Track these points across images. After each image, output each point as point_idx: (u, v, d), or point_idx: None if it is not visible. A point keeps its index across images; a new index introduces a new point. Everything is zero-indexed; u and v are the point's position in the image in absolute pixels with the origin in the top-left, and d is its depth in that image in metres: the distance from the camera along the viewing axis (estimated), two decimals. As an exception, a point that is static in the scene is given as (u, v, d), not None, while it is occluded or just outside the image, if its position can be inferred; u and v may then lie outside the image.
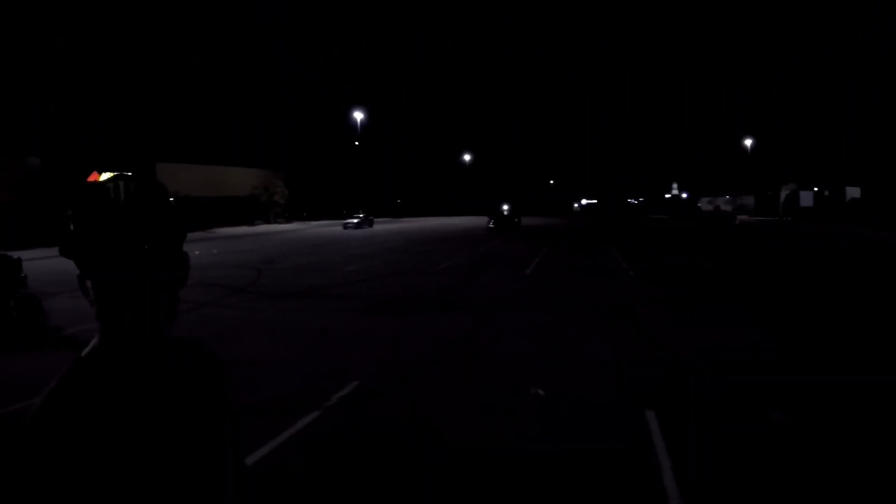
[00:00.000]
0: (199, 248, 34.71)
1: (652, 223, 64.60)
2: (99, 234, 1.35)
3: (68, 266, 1.42)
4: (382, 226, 65.68)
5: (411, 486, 5.53)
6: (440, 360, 9.60)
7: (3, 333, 10.93)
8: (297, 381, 8.67)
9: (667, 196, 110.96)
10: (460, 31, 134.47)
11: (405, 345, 10.71)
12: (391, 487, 5.51)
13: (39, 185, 44.44)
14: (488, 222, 52.45)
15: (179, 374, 1.50)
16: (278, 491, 5.46)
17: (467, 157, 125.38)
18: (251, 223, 72.95)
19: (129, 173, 1.43)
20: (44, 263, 24.11)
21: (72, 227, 1.37)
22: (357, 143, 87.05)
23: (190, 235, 1.53)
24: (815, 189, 73.45)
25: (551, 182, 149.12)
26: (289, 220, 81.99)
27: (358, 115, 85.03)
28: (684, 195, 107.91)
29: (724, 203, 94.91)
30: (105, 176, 1.40)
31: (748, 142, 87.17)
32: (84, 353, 1.43)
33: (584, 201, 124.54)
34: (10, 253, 12.06)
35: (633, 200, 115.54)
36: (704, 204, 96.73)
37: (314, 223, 78.02)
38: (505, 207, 53.36)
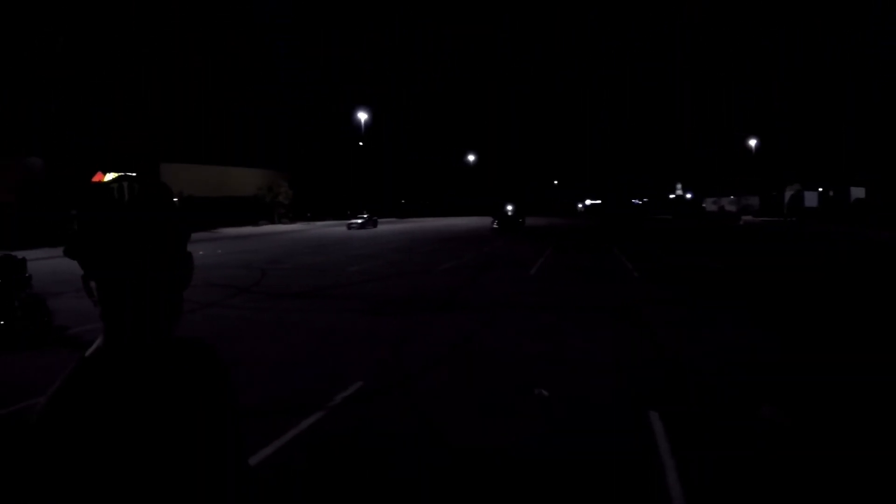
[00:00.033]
0: (204, 248, 34.75)
1: (656, 223, 64.54)
2: (103, 235, 1.35)
3: (72, 266, 1.43)
4: (386, 226, 65.70)
5: (415, 486, 5.53)
6: (444, 361, 9.60)
7: (8, 333, 10.96)
8: (301, 382, 8.68)
9: (671, 196, 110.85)
10: (460, 31, 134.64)
11: (409, 345, 10.72)
12: (395, 488, 5.51)
13: (41, 186, 44.56)
14: (492, 222, 52.40)
15: (183, 375, 1.50)
16: (282, 491, 5.47)
17: (471, 158, 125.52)
18: (255, 223, 73.03)
19: (133, 174, 1.43)
20: (48, 263, 24.15)
21: (76, 228, 1.37)
22: (361, 143, 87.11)
23: (194, 235, 1.53)
24: (820, 189, 73.30)
25: (555, 182, 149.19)
26: (293, 220, 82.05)
27: (362, 116, 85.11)
28: (688, 195, 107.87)
29: (729, 203, 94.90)
30: (109, 176, 1.40)
31: (752, 142, 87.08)
32: (88, 352, 1.43)
33: (587, 201, 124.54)
34: (14, 253, 12.08)
35: (636, 201, 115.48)
36: (709, 204, 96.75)
37: (318, 223, 78.09)
38: (509, 208, 53.30)
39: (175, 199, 1.47)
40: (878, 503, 5.16)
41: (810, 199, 72.55)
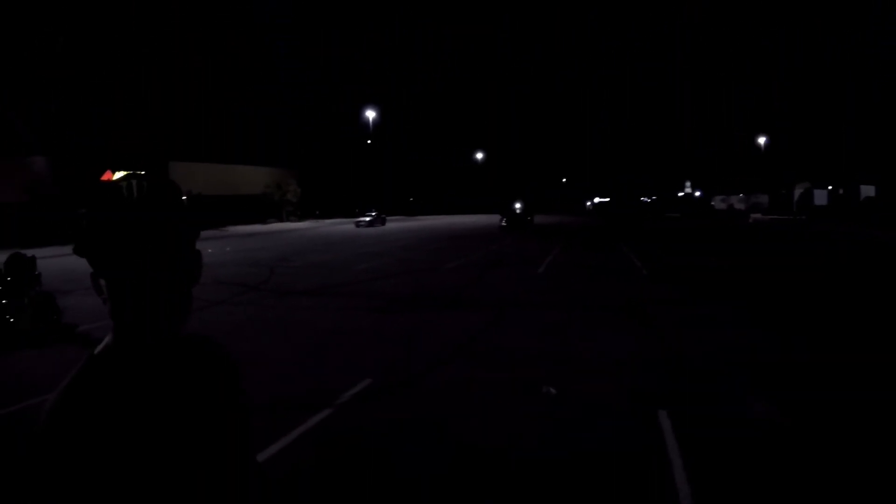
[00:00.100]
0: (213, 246, 34.82)
1: (665, 222, 64.38)
2: (112, 233, 1.35)
3: (81, 264, 1.43)
4: (394, 224, 65.69)
5: (422, 484, 5.54)
6: (453, 359, 9.61)
7: (19, 330, 11.02)
8: (310, 379, 8.70)
9: (680, 194, 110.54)
10: (460, 31, 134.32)
11: (418, 343, 10.72)
12: (402, 486, 5.52)
13: (48, 185, 44.73)
14: (500, 220, 52.24)
15: (193, 372, 1.51)
16: (290, 488, 5.48)
17: (479, 156, 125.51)
18: (264, 222, 73.11)
19: (143, 172, 1.43)
20: (57, 262, 24.23)
21: (85, 226, 1.38)
22: (369, 141, 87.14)
23: (203, 233, 1.53)
24: (830, 188, 73.04)
25: (563, 180, 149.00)
26: (301, 218, 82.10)
27: (370, 114, 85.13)
28: (697, 194, 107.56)
29: (738, 202, 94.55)
30: (118, 175, 1.40)
31: (761, 140, 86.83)
32: (97, 350, 1.44)
33: (596, 199, 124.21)
34: (23, 251, 12.14)
35: (646, 199, 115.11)
36: (718, 202, 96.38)
37: (327, 221, 78.14)
38: (517, 206, 53.10)
39: (184, 198, 1.47)
40: (878, 502, 5.15)
41: (820, 197, 72.30)
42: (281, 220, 77.44)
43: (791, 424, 6.62)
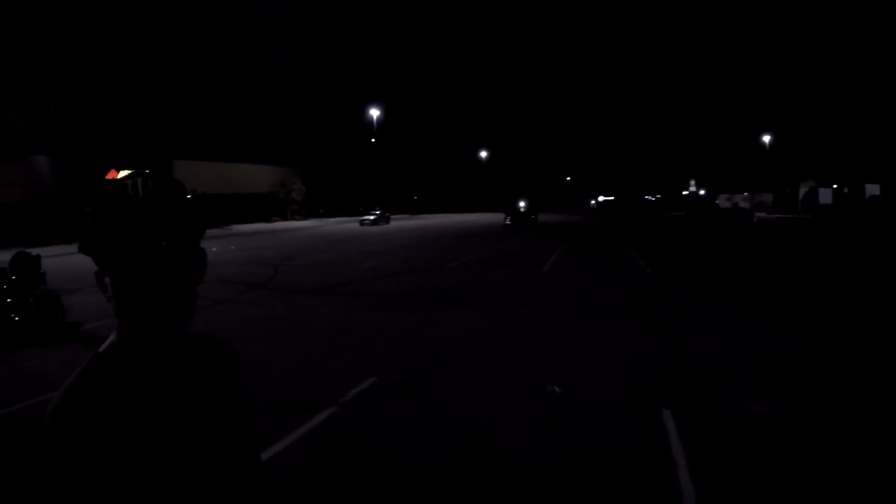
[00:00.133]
0: (217, 244, 34.86)
1: (669, 221, 64.28)
2: (117, 232, 1.36)
3: (86, 263, 1.44)
4: (398, 222, 65.68)
5: (426, 483, 5.54)
6: (457, 358, 9.61)
7: (24, 329, 11.05)
8: (314, 377, 8.71)
9: (684, 193, 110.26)
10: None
11: (422, 341, 10.73)
12: (406, 485, 5.52)
13: (48, 185, 44.84)
14: (505, 219, 52.15)
15: (196, 370, 1.51)
16: (294, 487, 5.49)
17: (483, 154, 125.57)
18: (268, 220, 73.18)
19: (147, 170, 1.44)
20: (61, 260, 24.27)
21: (90, 224, 1.38)
22: (373, 140, 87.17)
23: (207, 232, 1.54)
24: (835, 186, 72.82)
25: (567, 179, 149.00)
26: (306, 216, 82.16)
27: (374, 113, 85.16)
28: (702, 192, 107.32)
29: (742, 200, 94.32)
30: (123, 174, 1.41)
31: (766, 138, 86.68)
32: (102, 348, 1.45)
33: (600, 198, 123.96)
34: (28, 250, 12.16)
35: (650, 197, 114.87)
36: (722, 201, 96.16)
37: (331, 220, 78.17)
38: (521, 204, 52.89)
39: (188, 196, 1.47)
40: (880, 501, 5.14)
41: (824, 195, 72.03)
42: (285, 219, 77.51)
43: (795, 425, 6.61)
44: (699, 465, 5.60)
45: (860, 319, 12.21)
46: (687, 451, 5.89)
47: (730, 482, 5.40)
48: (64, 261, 23.88)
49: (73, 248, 1.59)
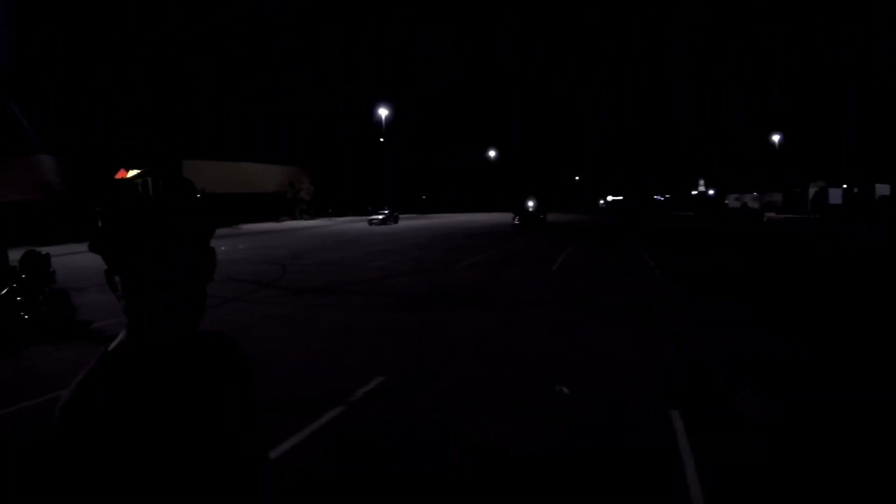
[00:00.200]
0: (226, 243, 34.95)
1: (678, 221, 64.13)
2: (127, 230, 1.36)
3: (95, 262, 1.44)
4: (407, 222, 65.75)
5: (434, 483, 5.54)
6: (464, 357, 9.60)
7: (33, 327, 11.09)
8: (322, 376, 8.72)
9: (693, 193, 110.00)
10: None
11: (430, 341, 10.73)
12: (414, 485, 5.52)
13: (54, 185, 45.04)
14: (513, 219, 52.08)
15: (205, 369, 1.51)
16: (302, 486, 5.49)
17: (491, 154, 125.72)
18: (277, 219, 73.35)
19: (157, 170, 1.44)
20: (70, 259, 24.37)
21: (100, 223, 1.38)
22: (382, 140, 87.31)
23: (216, 231, 1.53)
24: (844, 186, 72.50)
25: (577, 178, 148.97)
26: (314, 216, 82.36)
27: (383, 113, 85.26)
28: (711, 192, 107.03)
29: (752, 200, 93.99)
30: (133, 173, 1.41)
31: (776, 137, 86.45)
32: (111, 346, 1.45)
33: (609, 198, 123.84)
34: (38, 249, 12.22)
35: (659, 197, 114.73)
36: (731, 201, 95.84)
37: (339, 219, 78.34)
38: (530, 204, 52.74)
39: (198, 195, 1.47)
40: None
41: (834, 196, 71.72)
42: (294, 218, 77.74)
43: (801, 426, 6.58)
44: (708, 468, 5.58)
45: (873, 319, 12.15)
46: (695, 452, 5.86)
47: (738, 483, 5.38)
48: (73, 260, 23.98)
49: (82, 247, 1.59)
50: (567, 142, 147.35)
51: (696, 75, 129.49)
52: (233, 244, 34.79)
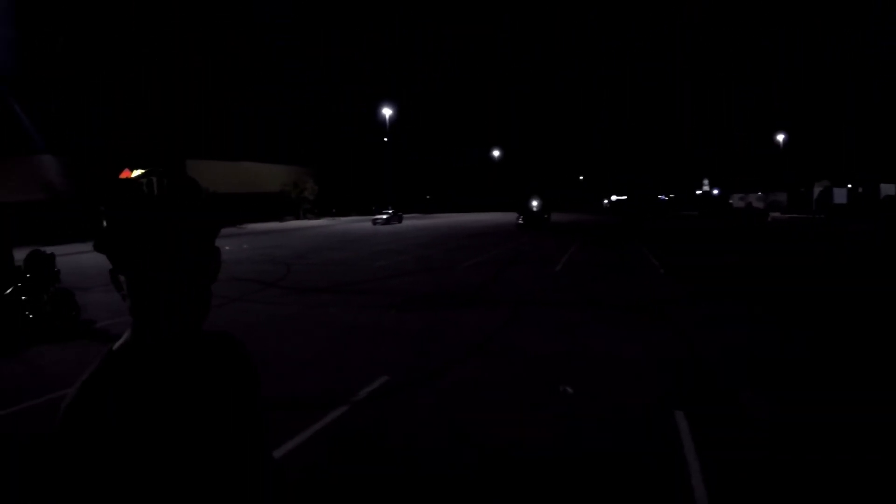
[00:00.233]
0: (230, 243, 34.99)
1: (683, 221, 64.07)
2: (132, 230, 1.36)
3: (99, 261, 1.44)
4: (411, 221, 65.77)
5: (438, 483, 5.53)
6: (469, 357, 9.60)
7: (38, 326, 11.12)
8: (326, 376, 8.72)
9: (697, 192, 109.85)
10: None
11: (434, 341, 10.72)
12: (417, 484, 5.52)
13: (56, 185, 45.13)
14: (517, 218, 52.05)
15: (210, 368, 1.51)
16: (306, 485, 5.49)
17: (495, 154, 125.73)
18: (281, 219, 73.41)
19: (162, 168, 1.44)
20: (74, 259, 24.41)
21: (105, 223, 1.38)
22: (386, 139, 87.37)
23: (220, 231, 1.53)
24: (849, 186, 72.37)
25: (580, 178, 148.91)
26: (318, 215, 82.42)
27: (387, 113, 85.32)
28: (715, 192, 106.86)
29: (757, 200, 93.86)
30: (136, 172, 1.41)
31: (780, 137, 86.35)
32: (116, 346, 1.45)
33: (613, 197, 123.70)
34: (42, 248, 12.24)
35: (663, 197, 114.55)
36: (736, 201, 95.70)
37: (343, 219, 78.42)
38: (534, 203, 52.67)
39: (203, 195, 1.47)
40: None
41: (839, 195, 71.61)
42: (298, 218, 77.78)
43: (807, 427, 6.57)
44: (712, 468, 5.57)
45: (879, 319, 12.13)
46: (700, 453, 5.85)
47: (742, 485, 5.37)
48: (77, 259, 24.02)
49: (86, 246, 1.59)
50: (567, 142, 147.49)
51: (696, 75, 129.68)
52: (237, 244, 34.83)
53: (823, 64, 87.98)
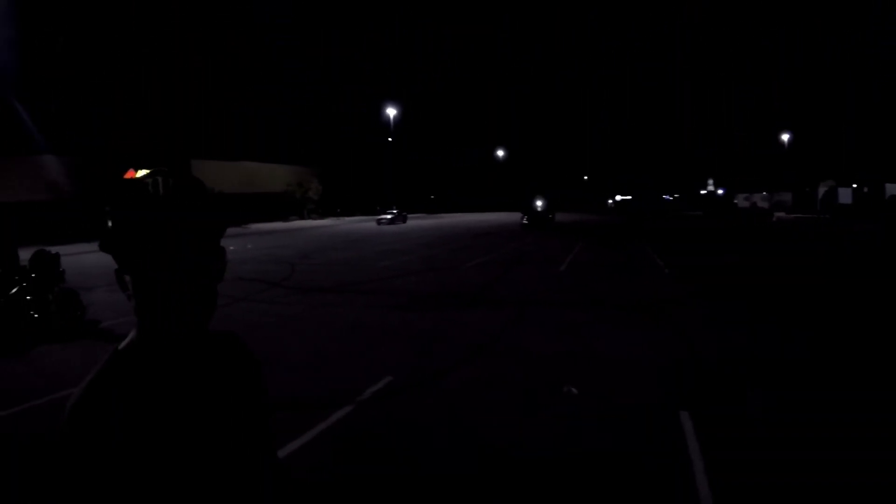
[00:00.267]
0: (234, 243, 35.03)
1: (687, 221, 64.00)
2: (138, 230, 1.36)
3: (103, 261, 1.44)
4: (415, 222, 65.80)
5: (443, 483, 5.53)
6: (473, 357, 9.59)
7: (43, 326, 11.15)
8: (330, 376, 8.72)
9: (702, 192, 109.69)
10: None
11: (439, 341, 10.72)
12: (421, 485, 5.51)
13: (58, 185, 45.21)
14: (522, 218, 52.01)
15: (215, 368, 1.51)
16: (310, 485, 5.49)
17: (499, 154, 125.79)
18: (285, 219, 73.48)
19: (167, 168, 1.44)
20: (78, 259, 24.45)
21: (111, 223, 1.38)
22: (390, 139, 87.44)
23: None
24: (854, 186, 72.23)
25: (585, 178, 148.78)
26: (322, 215, 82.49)
27: (391, 113, 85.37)
28: (720, 192, 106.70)
29: (761, 200, 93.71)
30: (141, 172, 1.41)
31: (785, 137, 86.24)
32: (122, 346, 1.45)
33: (618, 197, 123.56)
34: (48, 248, 12.27)
35: (667, 197, 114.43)
36: (741, 201, 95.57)
37: (347, 219, 78.46)
38: (538, 203, 52.59)
39: (209, 195, 1.47)
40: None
41: (844, 195, 71.47)
42: (302, 218, 77.86)
43: (813, 428, 6.55)
44: (716, 469, 5.56)
45: (886, 320, 12.10)
46: (704, 455, 5.84)
47: (747, 486, 5.36)
48: (80, 260, 24.06)
49: (90, 246, 1.58)
50: (568, 142, 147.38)
51: (696, 75, 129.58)
52: (241, 244, 34.87)
53: (824, 64, 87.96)
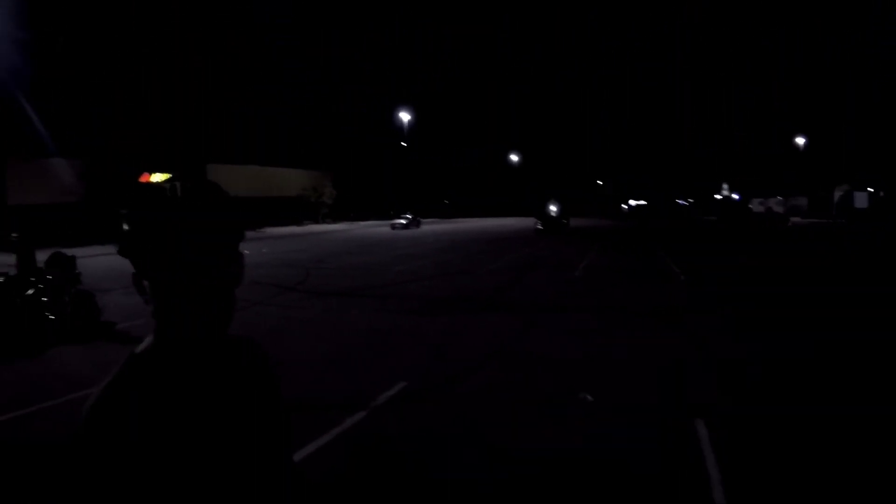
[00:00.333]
0: (249, 247, 35.11)
1: (702, 226, 63.75)
2: (157, 235, 1.36)
3: (120, 264, 1.43)
4: (429, 226, 65.81)
5: (456, 487, 5.52)
6: (487, 362, 9.57)
7: (59, 327, 11.20)
8: (345, 380, 8.73)
9: (717, 197, 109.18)
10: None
11: (453, 346, 10.71)
12: (435, 489, 5.50)
13: (72, 187, 45.48)
14: (536, 223, 51.90)
15: (232, 373, 1.50)
16: (325, 489, 5.49)
17: (514, 158, 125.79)
18: (299, 223, 73.63)
19: (184, 173, 1.44)
20: (94, 261, 24.59)
21: (126, 228, 1.38)
22: (404, 144, 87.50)
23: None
24: (870, 190, 71.75)
25: (599, 182, 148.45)
26: (336, 220, 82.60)
27: (405, 117, 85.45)
28: (735, 196, 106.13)
29: (776, 205, 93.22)
30: (156, 177, 1.40)
31: (800, 140, 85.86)
32: (139, 349, 1.44)
33: (632, 202, 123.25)
34: (64, 250, 12.34)
35: (682, 202, 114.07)
36: (756, 205, 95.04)
37: (362, 223, 78.53)
38: (552, 208, 52.43)
39: (228, 199, 1.47)
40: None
41: (860, 199, 70.97)
42: (316, 222, 77.95)
43: (826, 434, 6.50)
44: (731, 475, 5.52)
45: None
46: (720, 463, 5.79)
47: (761, 493, 5.32)
48: (97, 262, 24.19)
49: (106, 249, 1.58)
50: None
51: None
52: (256, 248, 34.97)
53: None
